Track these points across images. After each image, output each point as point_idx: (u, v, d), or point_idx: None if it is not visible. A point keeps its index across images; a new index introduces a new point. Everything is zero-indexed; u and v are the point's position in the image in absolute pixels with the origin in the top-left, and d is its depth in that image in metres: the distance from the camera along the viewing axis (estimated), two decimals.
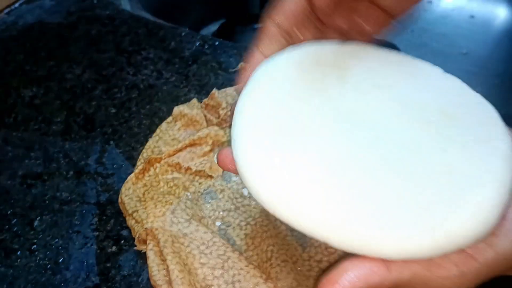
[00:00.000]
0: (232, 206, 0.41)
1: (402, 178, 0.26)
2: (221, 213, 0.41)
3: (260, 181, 0.27)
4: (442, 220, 0.24)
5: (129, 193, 0.41)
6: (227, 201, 0.42)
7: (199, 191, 0.42)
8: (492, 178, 0.26)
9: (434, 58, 0.30)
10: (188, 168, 0.43)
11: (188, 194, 0.41)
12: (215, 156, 0.33)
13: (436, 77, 0.32)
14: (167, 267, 0.35)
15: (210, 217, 0.41)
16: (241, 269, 0.36)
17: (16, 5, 0.66)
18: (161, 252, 0.36)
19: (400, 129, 0.28)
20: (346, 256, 0.26)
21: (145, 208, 0.39)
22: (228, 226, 0.40)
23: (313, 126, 0.28)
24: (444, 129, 0.28)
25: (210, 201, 0.42)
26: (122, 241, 0.40)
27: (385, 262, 0.26)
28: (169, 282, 0.35)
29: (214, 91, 0.48)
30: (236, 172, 0.29)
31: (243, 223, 0.40)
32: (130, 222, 0.39)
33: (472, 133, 0.28)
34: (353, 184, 0.26)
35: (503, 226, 0.27)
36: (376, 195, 0.25)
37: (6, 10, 0.65)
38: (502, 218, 0.27)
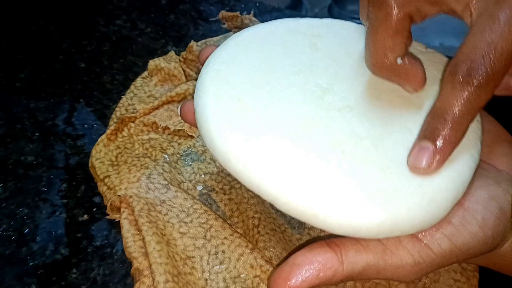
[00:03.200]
0: (215, 169, 0.38)
1: (363, 155, 0.26)
2: (202, 176, 0.38)
3: (216, 131, 0.26)
4: (391, 201, 0.24)
5: (100, 156, 0.37)
6: (209, 163, 0.38)
7: (178, 153, 0.39)
8: (450, 168, 0.25)
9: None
10: (166, 128, 0.40)
11: (166, 156, 0.38)
12: (179, 108, 0.30)
13: (414, 51, 0.30)
14: (143, 238, 0.32)
15: (190, 181, 0.37)
16: (225, 238, 0.33)
17: None
18: (136, 221, 0.33)
19: (370, 100, 0.28)
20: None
21: (118, 173, 0.36)
22: (210, 191, 0.37)
23: (280, 88, 0.28)
24: (413, 107, 0.28)
25: (190, 163, 0.38)
26: (94, 209, 0.36)
27: (338, 254, 0.25)
28: (146, 254, 0.32)
29: (192, 43, 0.44)
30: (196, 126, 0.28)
31: (227, 187, 0.37)
32: (102, 188, 0.36)
33: None
34: (310, 148, 0.25)
35: (462, 217, 0.26)
36: (332, 167, 0.25)
37: None
38: (461, 207, 0.26)
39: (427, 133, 0.25)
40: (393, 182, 0.25)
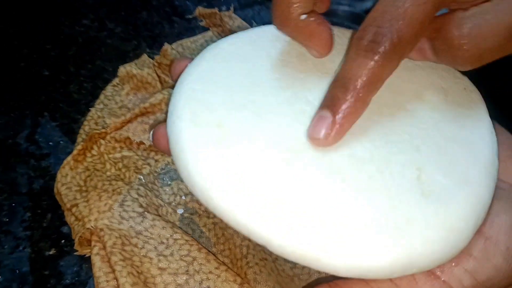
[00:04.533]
0: None
1: (367, 182, 0.22)
2: (183, 197, 0.34)
3: (194, 164, 0.22)
4: (404, 234, 0.21)
5: (67, 181, 0.33)
6: None
7: (155, 171, 0.35)
8: (468, 190, 0.23)
9: None
10: (141, 143, 0.36)
11: (141, 177, 0.34)
12: (150, 134, 0.27)
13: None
14: (117, 279, 0.28)
15: (170, 203, 0.33)
16: (210, 272, 0.29)
17: None
18: (109, 257, 0.29)
19: (369, 116, 0.24)
20: None
21: (87, 200, 0.32)
22: (192, 214, 0.33)
23: (266, 108, 0.24)
24: (418, 121, 0.25)
25: (169, 182, 0.35)
26: (63, 241, 0.32)
27: None
28: None
29: (166, 46, 0.40)
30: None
31: None
32: (69, 219, 0.32)
33: (451, 129, 0.25)
34: (305, 180, 0.22)
35: (484, 248, 0.23)
36: (332, 201, 0.22)
37: None
38: (481, 236, 0.23)
39: (327, 102, 0.23)
40: (404, 212, 0.21)
